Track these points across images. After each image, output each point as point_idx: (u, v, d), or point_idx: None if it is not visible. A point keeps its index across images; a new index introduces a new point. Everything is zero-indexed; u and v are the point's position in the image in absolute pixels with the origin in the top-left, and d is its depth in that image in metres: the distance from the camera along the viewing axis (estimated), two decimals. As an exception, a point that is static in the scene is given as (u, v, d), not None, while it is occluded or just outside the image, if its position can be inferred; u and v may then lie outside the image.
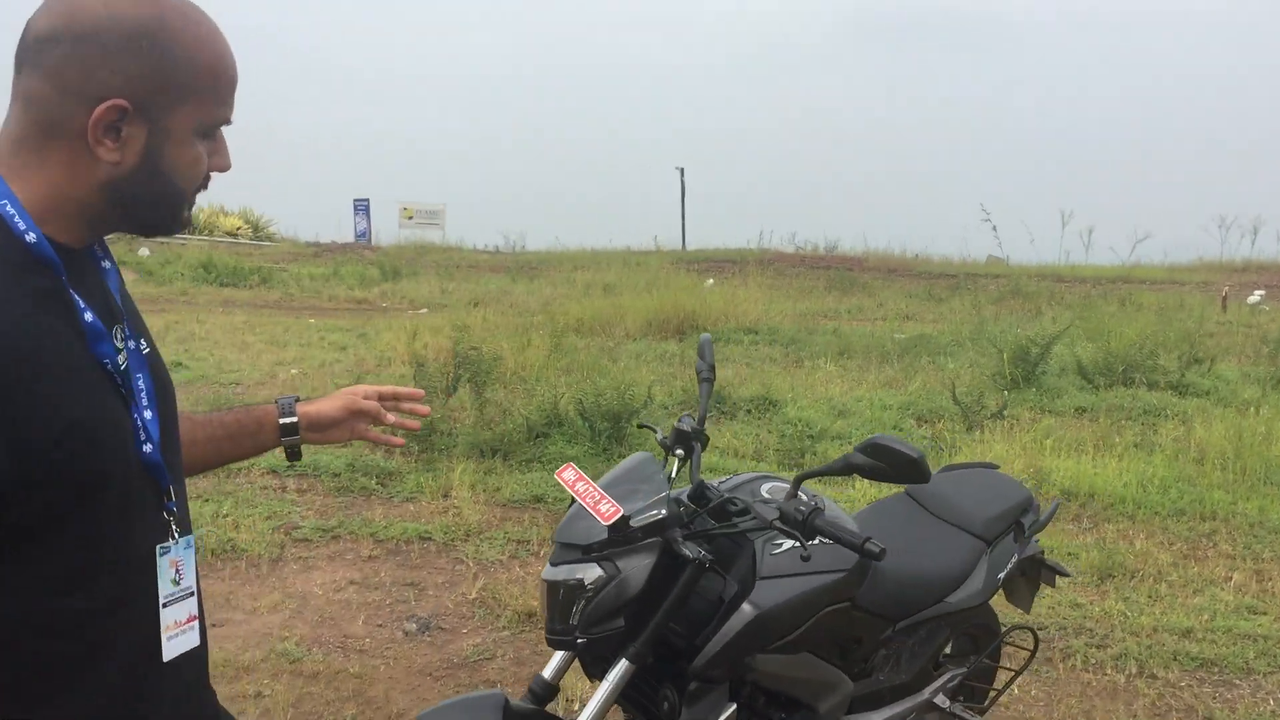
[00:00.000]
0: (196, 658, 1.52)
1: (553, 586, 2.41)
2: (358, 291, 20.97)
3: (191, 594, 1.49)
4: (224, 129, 1.44)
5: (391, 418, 2.02)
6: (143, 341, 1.46)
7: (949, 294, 22.37)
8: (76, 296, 1.33)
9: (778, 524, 2.38)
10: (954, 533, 3.15)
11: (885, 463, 2.31)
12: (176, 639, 1.46)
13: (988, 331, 13.92)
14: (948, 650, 3.46)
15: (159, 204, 1.38)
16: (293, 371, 10.93)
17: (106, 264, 1.46)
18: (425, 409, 2.13)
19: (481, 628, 4.78)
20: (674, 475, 2.74)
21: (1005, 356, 10.36)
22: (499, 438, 7.49)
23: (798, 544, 2.50)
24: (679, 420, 2.87)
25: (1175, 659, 4.61)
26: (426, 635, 4.67)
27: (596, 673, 2.52)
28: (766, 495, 2.71)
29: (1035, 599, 3.66)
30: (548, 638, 2.47)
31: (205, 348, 12.40)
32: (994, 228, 26.12)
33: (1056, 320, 15.24)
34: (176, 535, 1.45)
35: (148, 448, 1.40)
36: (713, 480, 2.80)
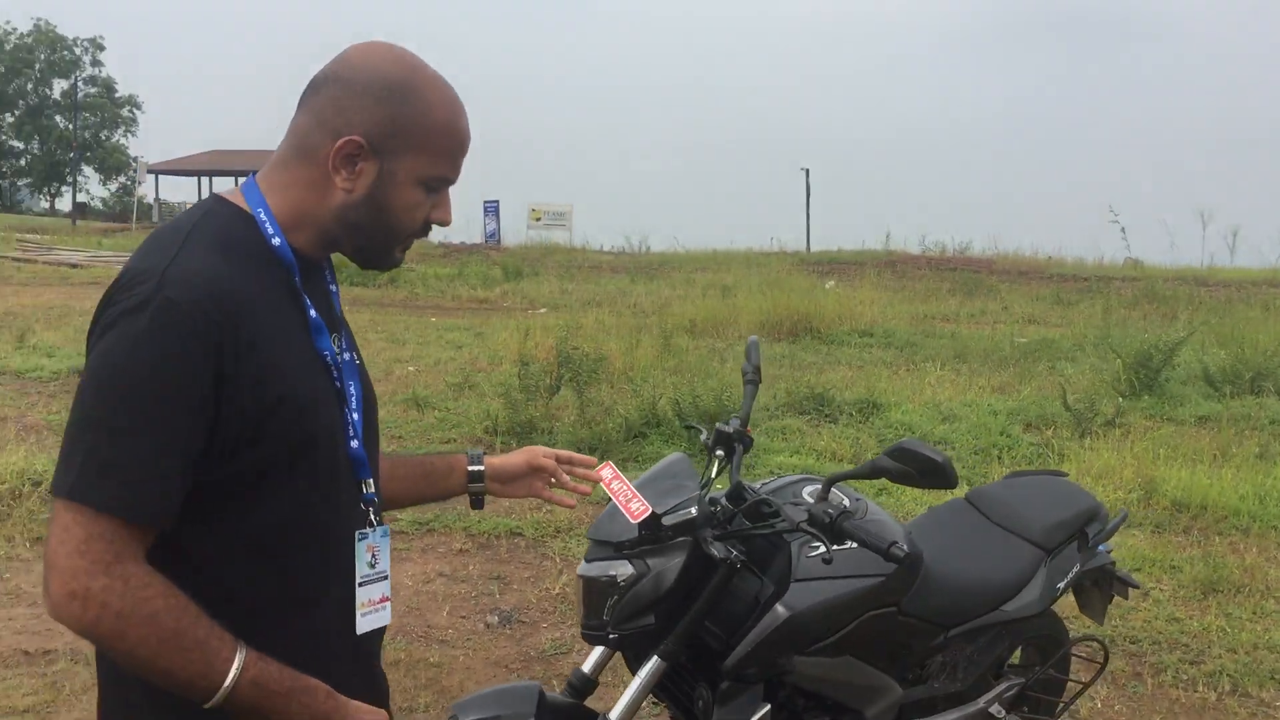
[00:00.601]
0: (378, 634, 1.71)
1: (587, 582, 2.46)
2: (480, 291, 21.38)
3: (385, 578, 1.67)
4: (450, 189, 1.63)
5: (566, 478, 2.18)
6: (355, 355, 1.68)
7: (1079, 297, 21.73)
8: (305, 295, 1.55)
9: (805, 526, 2.39)
10: (1012, 540, 3.09)
11: (911, 467, 2.30)
12: (369, 616, 1.64)
13: (1113, 336, 13.48)
14: (1016, 660, 3.40)
15: (376, 235, 1.58)
16: (409, 369, 11.21)
17: (333, 286, 1.68)
18: (597, 475, 2.29)
19: (561, 623, 4.85)
20: (713, 476, 2.76)
21: (1120, 362, 10.02)
22: (597, 436, 7.57)
23: (835, 546, 2.50)
24: (727, 422, 2.88)
25: (1273, 677, 4.42)
26: (507, 628, 4.78)
27: (638, 668, 2.56)
28: (806, 497, 2.70)
29: (1108, 610, 3.56)
30: (583, 632, 2.52)
31: (328, 345, 12.80)
32: (1122, 229, 25.16)
33: (1191, 325, 14.68)
34: (375, 523, 1.64)
35: (354, 443, 1.60)
36: (758, 482, 2.81)
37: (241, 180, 1.63)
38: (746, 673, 2.53)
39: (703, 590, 2.45)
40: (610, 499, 2.47)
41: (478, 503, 2.09)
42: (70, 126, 67.98)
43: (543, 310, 18.10)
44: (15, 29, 69.74)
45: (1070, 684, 3.50)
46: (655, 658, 2.46)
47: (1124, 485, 6.91)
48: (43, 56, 69.90)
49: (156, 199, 59.26)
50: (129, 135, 73.36)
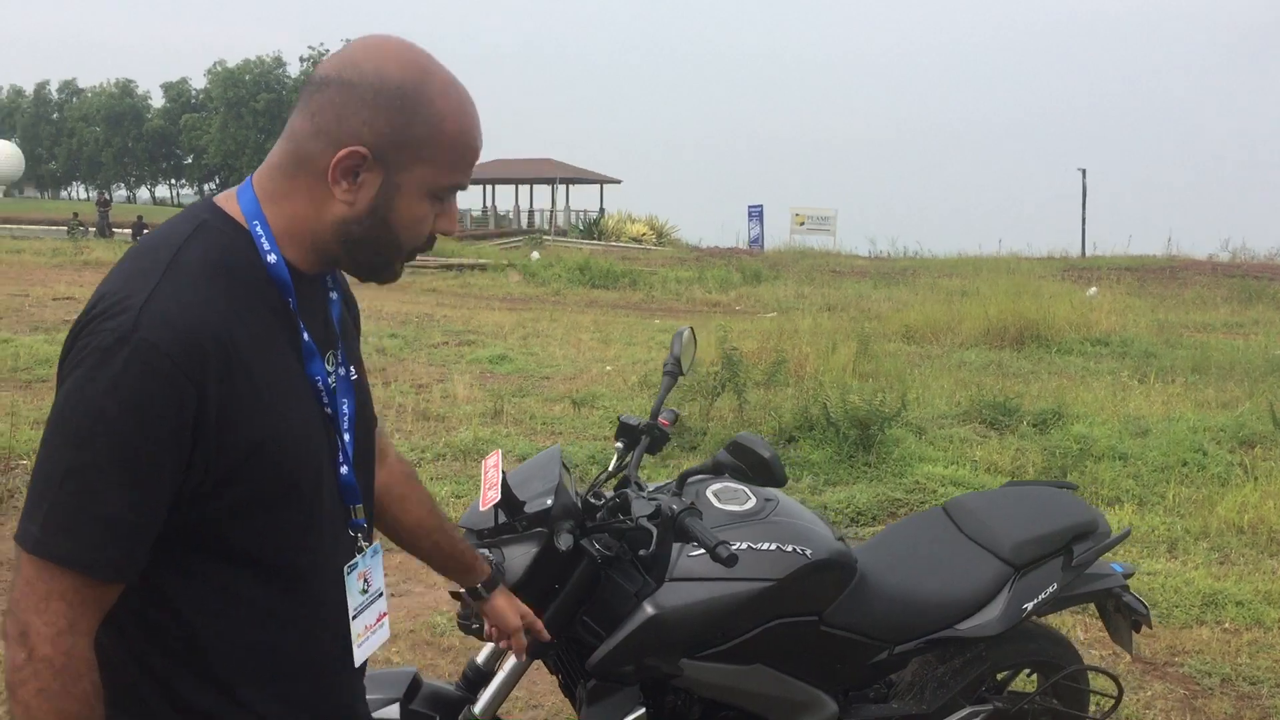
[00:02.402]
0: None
1: None
2: (715, 294, 21.53)
3: (380, 594, 1.62)
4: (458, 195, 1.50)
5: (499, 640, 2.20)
6: (353, 369, 1.57)
7: (1380, 307, 19.59)
8: (299, 318, 1.44)
9: (643, 521, 2.31)
10: (978, 554, 2.85)
11: (743, 461, 2.23)
12: (367, 642, 1.59)
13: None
14: (1031, 688, 3.14)
15: (377, 251, 1.45)
16: (607, 369, 11.43)
17: (334, 294, 1.56)
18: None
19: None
20: (611, 470, 2.70)
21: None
22: (746, 439, 7.46)
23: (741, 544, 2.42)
24: (654, 418, 2.81)
25: (1402, 737, 3.85)
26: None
27: (529, 659, 2.53)
28: (710, 495, 2.61)
29: (1136, 640, 3.21)
30: (458, 622, 2.52)
31: (541, 344, 13.25)
32: None
33: None
34: (364, 547, 1.57)
35: (344, 469, 1.51)
36: (669, 479, 2.73)
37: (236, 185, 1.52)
38: (620, 671, 2.45)
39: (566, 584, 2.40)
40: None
41: (470, 594, 2.12)
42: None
43: (771, 314, 18.00)
44: (327, 49, 76.24)
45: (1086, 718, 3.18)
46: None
47: (1311, 512, 6.18)
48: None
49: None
50: (424, 146, 78.58)
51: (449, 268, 24.80)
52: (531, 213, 59.28)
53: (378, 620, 1.59)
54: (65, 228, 38.48)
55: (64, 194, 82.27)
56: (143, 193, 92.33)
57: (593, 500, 2.54)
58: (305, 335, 1.44)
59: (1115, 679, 3.14)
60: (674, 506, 2.28)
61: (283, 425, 1.38)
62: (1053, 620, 4.43)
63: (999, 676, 3.06)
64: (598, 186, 59.08)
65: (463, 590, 2.12)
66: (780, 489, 2.61)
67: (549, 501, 2.39)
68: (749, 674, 2.56)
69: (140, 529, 1.30)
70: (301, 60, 77.13)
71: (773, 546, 2.49)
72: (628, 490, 2.53)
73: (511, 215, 59.48)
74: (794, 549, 2.51)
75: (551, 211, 56.17)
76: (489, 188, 60.19)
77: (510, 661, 2.46)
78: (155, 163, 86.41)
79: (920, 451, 7.45)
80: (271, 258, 1.40)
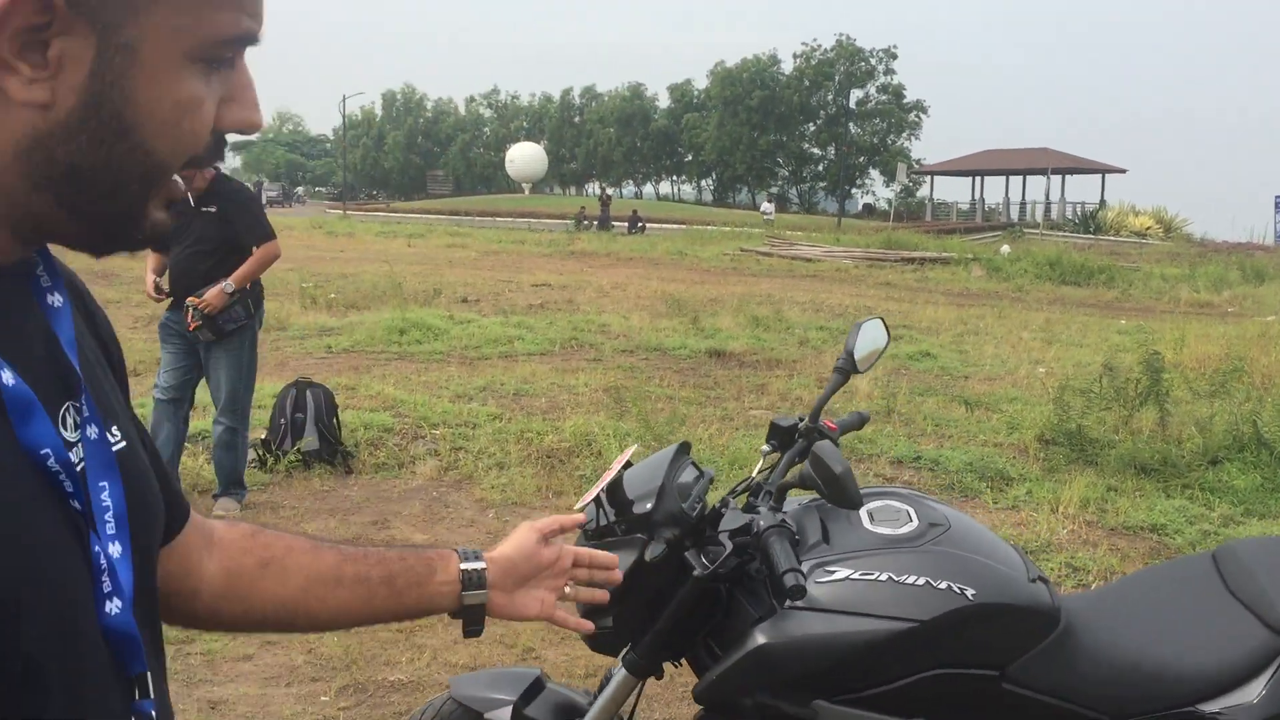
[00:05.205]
0: None
1: None
2: (1203, 294, 19.32)
3: None
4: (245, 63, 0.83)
5: (568, 590, 1.45)
6: (114, 430, 0.88)
7: None
8: None
9: (723, 537, 2.02)
10: (1241, 617, 2.20)
11: (819, 475, 1.86)
12: None
13: None
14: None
15: (118, 185, 0.78)
16: (1039, 370, 10.57)
17: (54, 299, 0.86)
18: (616, 576, 1.51)
19: None
20: (754, 475, 2.37)
21: None
22: (1157, 456, 6.55)
23: (866, 574, 2.08)
24: (814, 420, 2.45)
25: None
26: None
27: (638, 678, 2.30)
28: (863, 515, 2.22)
29: None
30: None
31: (975, 342, 12.54)
32: None
33: None
34: None
35: (113, 607, 0.81)
36: None
37: None
38: (737, 705, 2.16)
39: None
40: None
41: (473, 627, 1.33)
42: (860, 133, 74.19)
43: (1270, 318, 15.80)
44: (820, 45, 77.72)
45: None
46: (622, 669, 2.21)
47: None
48: (842, 69, 76.72)
49: (930, 199, 62.03)
50: (912, 139, 77.79)
51: (910, 261, 24.23)
52: (1022, 205, 56.63)
53: None
54: (572, 221, 42.42)
55: (585, 190, 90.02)
56: (647, 189, 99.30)
57: (720, 509, 2.26)
58: (6, 375, 0.76)
59: None
60: (761, 523, 1.96)
61: None
62: None
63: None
64: (1098, 177, 55.29)
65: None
66: (943, 517, 2.18)
67: (647, 506, 2.15)
68: None
69: None
70: (794, 57, 79.11)
71: (920, 581, 2.07)
72: (729, 501, 2.23)
73: (1000, 208, 57.17)
74: (949, 586, 2.07)
75: (1046, 204, 53.34)
76: (977, 179, 58.26)
77: (618, 674, 2.24)
78: (659, 160, 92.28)
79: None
80: None
